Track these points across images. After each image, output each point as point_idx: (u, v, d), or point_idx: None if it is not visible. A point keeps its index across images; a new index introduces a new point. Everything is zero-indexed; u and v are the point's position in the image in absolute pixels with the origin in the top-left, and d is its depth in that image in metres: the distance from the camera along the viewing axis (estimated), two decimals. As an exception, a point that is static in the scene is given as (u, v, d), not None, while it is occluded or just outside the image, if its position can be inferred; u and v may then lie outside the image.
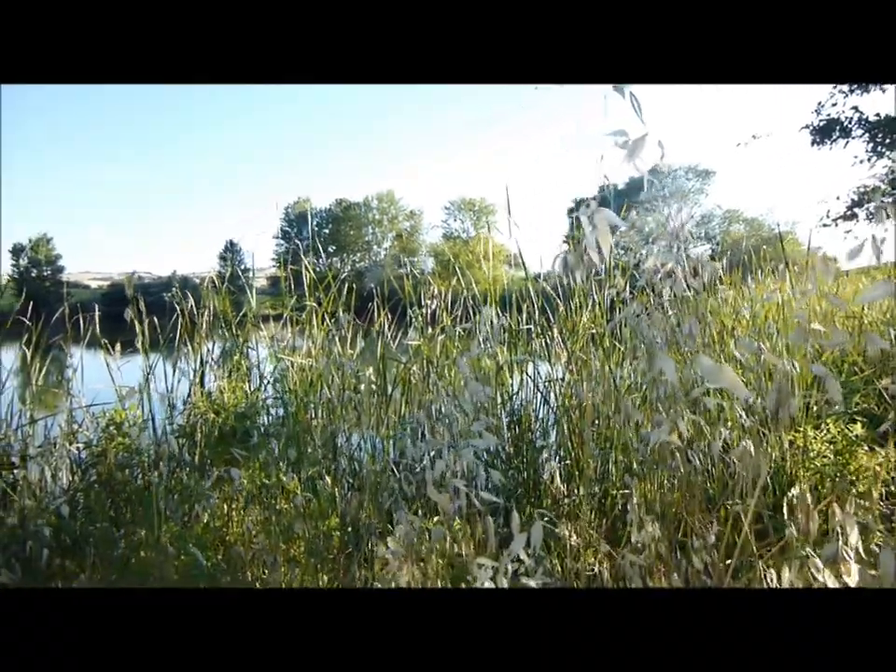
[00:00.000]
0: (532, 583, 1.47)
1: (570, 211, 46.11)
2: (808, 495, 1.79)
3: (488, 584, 1.35)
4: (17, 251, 45.07)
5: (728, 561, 1.83)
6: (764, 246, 6.24)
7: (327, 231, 49.50)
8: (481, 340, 3.89)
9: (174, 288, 4.24)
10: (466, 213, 51.88)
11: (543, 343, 4.40)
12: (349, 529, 2.54)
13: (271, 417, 3.37)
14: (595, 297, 4.17)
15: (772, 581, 1.78)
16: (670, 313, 2.63)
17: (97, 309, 4.69)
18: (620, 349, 3.90)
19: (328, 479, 2.81)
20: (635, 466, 3.11)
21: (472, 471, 1.73)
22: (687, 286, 2.52)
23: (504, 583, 1.37)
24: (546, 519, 2.49)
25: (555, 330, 4.33)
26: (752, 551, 1.90)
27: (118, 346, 4.24)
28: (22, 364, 4.52)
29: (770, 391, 1.58)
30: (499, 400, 4.00)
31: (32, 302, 5.02)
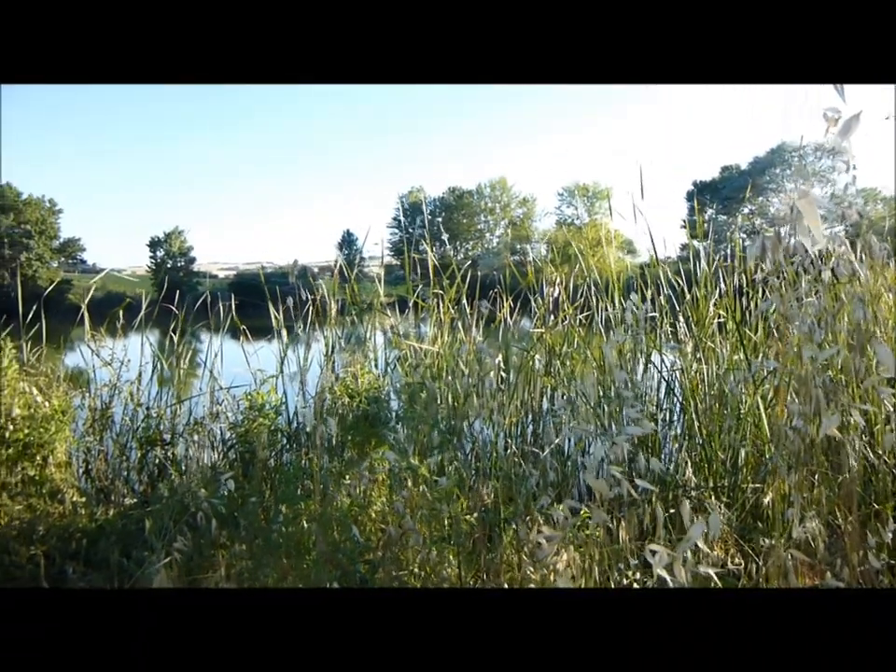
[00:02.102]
0: (711, 572, 1.45)
1: (690, 195, 44.33)
2: None
3: (662, 572, 1.34)
4: (154, 244, 48.38)
5: None
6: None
7: (440, 219, 49.94)
8: (624, 327, 3.81)
9: (293, 278, 4.41)
10: (579, 198, 50.86)
11: (669, 331, 4.28)
12: (479, 514, 2.58)
13: (400, 402, 3.47)
14: (724, 284, 4.01)
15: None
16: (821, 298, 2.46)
17: (233, 298, 4.98)
18: (752, 337, 3.75)
19: (456, 463, 2.87)
20: (769, 457, 2.98)
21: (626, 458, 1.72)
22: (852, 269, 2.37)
23: (681, 573, 1.35)
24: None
25: (681, 317, 4.20)
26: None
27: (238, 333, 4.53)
28: (167, 348, 4.88)
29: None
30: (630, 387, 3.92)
31: (166, 291, 5.40)
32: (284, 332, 4.63)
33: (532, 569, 1.82)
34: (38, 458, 3.39)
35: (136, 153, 78.87)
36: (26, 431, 3.39)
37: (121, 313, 4.92)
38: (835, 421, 1.68)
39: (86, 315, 4.76)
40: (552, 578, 1.72)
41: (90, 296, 5.24)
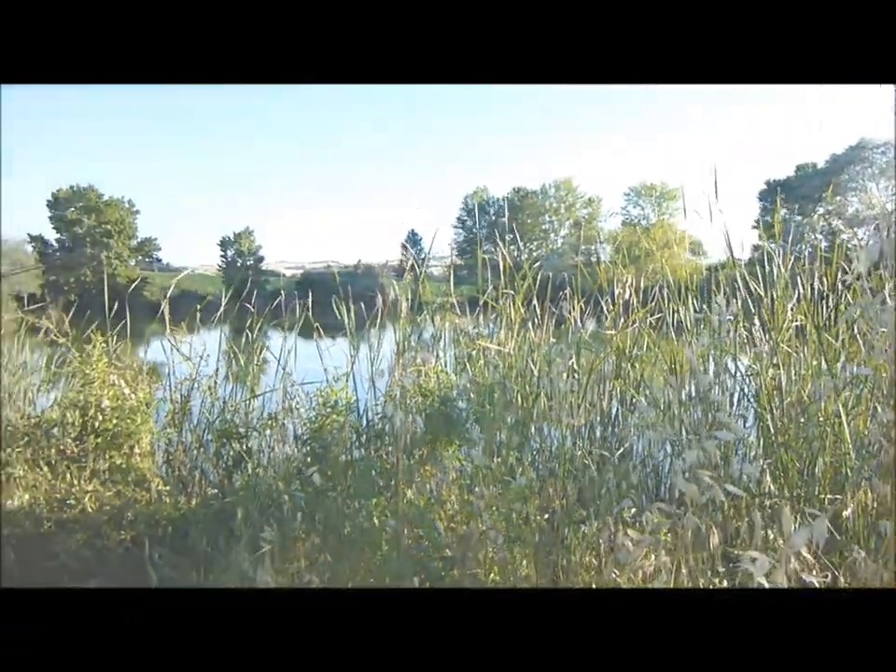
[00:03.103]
0: (815, 581, 1.43)
1: (762, 194, 43.02)
2: None
3: (761, 580, 1.32)
4: (224, 244, 49.95)
5: None
6: None
7: (504, 219, 49.86)
8: (709, 330, 3.73)
9: (384, 277, 4.50)
10: (646, 199, 49.98)
11: (743, 335, 4.17)
12: (550, 515, 2.59)
13: (470, 402, 3.49)
14: (802, 287, 3.89)
15: None
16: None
17: (309, 296, 5.11)
18: (833, 343, 3.63)
19: (525, 464, 2.89)
20: (851, 467, 2.88)
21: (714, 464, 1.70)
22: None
23: (783, 580, 1.34)
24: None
25: (756, 320, 4.09)
26: None
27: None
28: (243, 345, 5.04)
29: None
30: (692, 393, 3.85)
31: (237, 290, 5.58)
32: (354, 330, 4.72)
33: (617, 572, 1.82)
34: (125, 448, 3.57)
35: (207, 155, 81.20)
36: (114, 422, 3.57)
37: (198, 310, 5.12)
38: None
39: (167, 310, 4.95)
40: (639, 581, 1.72)
41: (169, 292, 5.45)
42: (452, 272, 4.85)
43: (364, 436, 3.74)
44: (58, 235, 46.39)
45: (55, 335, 4.26)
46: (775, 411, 3.47)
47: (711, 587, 1.78)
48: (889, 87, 2.85)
